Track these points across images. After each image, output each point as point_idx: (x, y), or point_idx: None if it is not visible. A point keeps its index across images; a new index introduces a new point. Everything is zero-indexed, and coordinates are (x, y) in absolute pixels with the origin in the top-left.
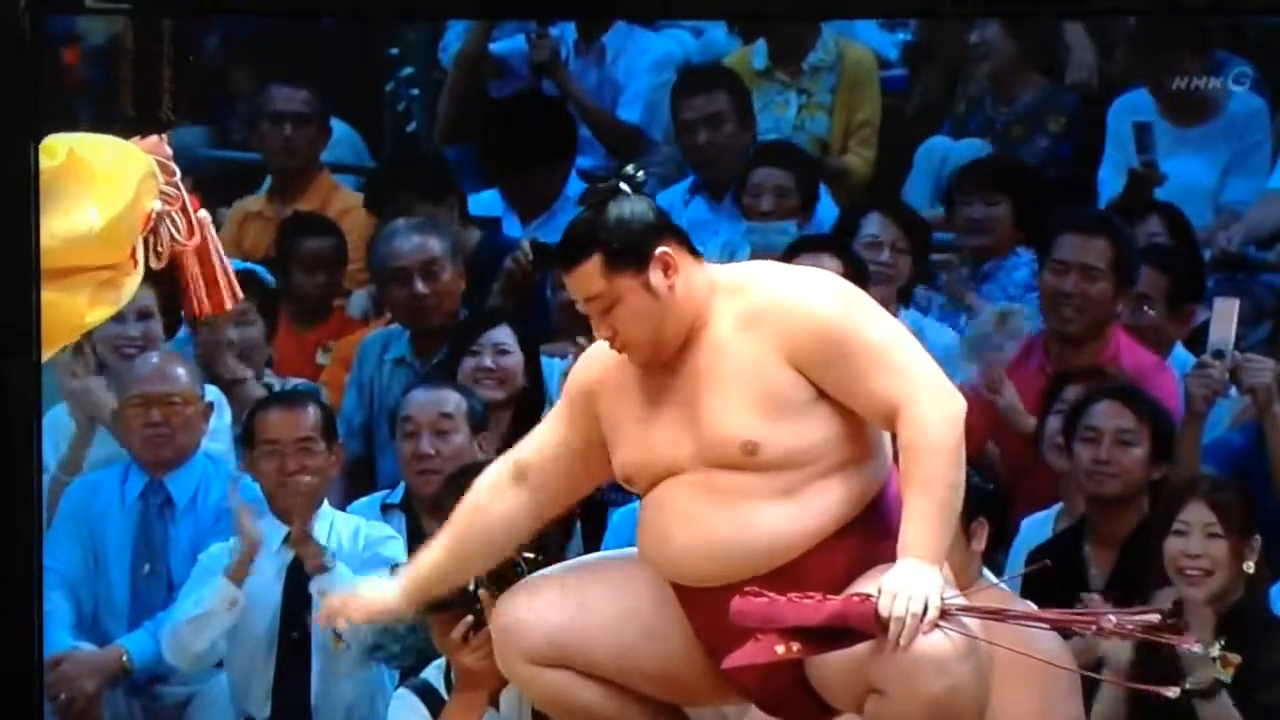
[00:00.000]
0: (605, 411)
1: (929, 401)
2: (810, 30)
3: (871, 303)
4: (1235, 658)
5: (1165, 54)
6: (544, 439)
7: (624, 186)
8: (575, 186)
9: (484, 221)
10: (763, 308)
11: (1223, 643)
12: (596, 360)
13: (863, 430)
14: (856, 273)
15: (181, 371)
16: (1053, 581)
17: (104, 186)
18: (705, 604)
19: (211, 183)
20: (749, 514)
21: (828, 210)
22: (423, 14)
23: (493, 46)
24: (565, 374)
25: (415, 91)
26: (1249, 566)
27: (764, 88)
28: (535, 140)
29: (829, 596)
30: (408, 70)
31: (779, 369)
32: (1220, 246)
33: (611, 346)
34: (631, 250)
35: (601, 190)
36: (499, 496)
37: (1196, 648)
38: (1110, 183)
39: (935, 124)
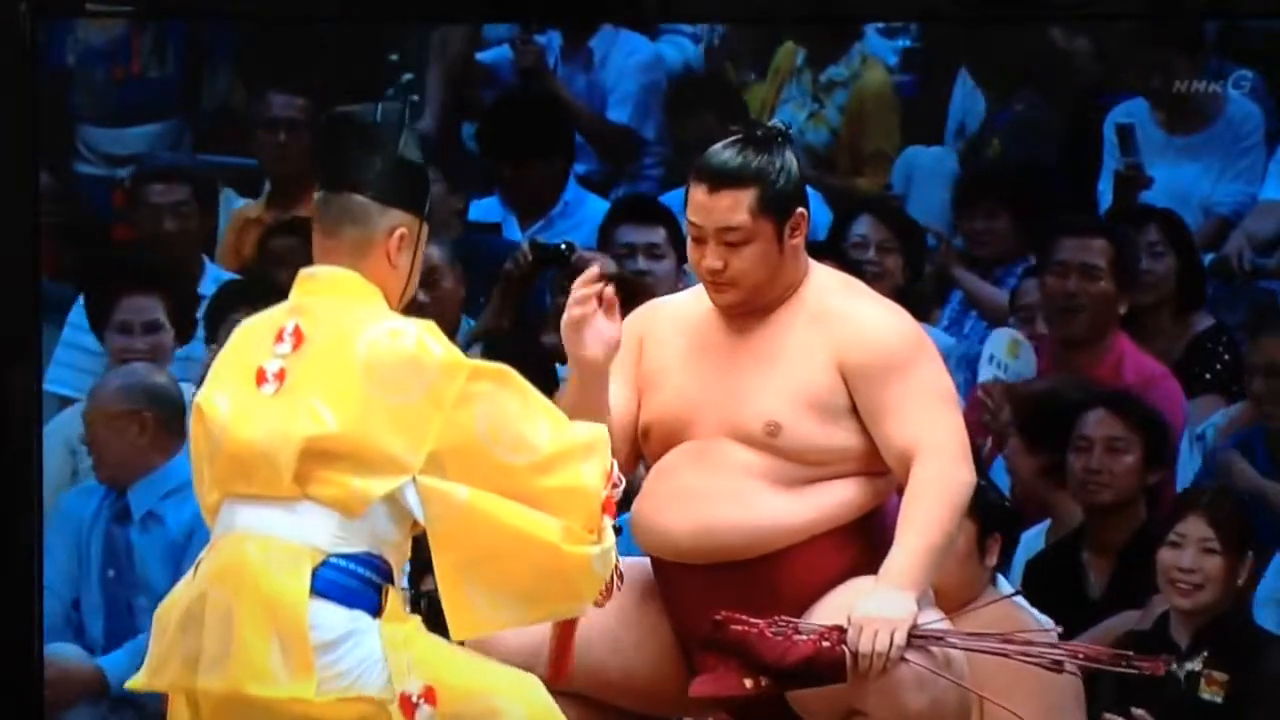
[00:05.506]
0: (646, 360)
1: (949, 458)
2: (843, 40)
3: (938, 355)
4: (1221, 676)
5: (1163, 59)
6: (611, 410)
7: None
8: (574, 190)
9: (484, 227)
10: (835, 314)
11: (1205, 656)
12: (645, 314)
13: (880, 453)
14: (854, 275)
15: (142, 388)
16: (1052, 590)
17: None
18: (689, 586)
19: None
20: (752, 495)
21: (821, 216)
22: (422, 17)
23: (479, 55)
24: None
25: (415, 98)
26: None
27: (793, 86)
28: (534, 140)
29: (802, 627)
30: (407, 76)
31: (826, 372)
32: (1235, 267)
33: (714, 279)
34: (785, 198)
35: (769, 130)
36: None
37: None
38: (1110, 194)
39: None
